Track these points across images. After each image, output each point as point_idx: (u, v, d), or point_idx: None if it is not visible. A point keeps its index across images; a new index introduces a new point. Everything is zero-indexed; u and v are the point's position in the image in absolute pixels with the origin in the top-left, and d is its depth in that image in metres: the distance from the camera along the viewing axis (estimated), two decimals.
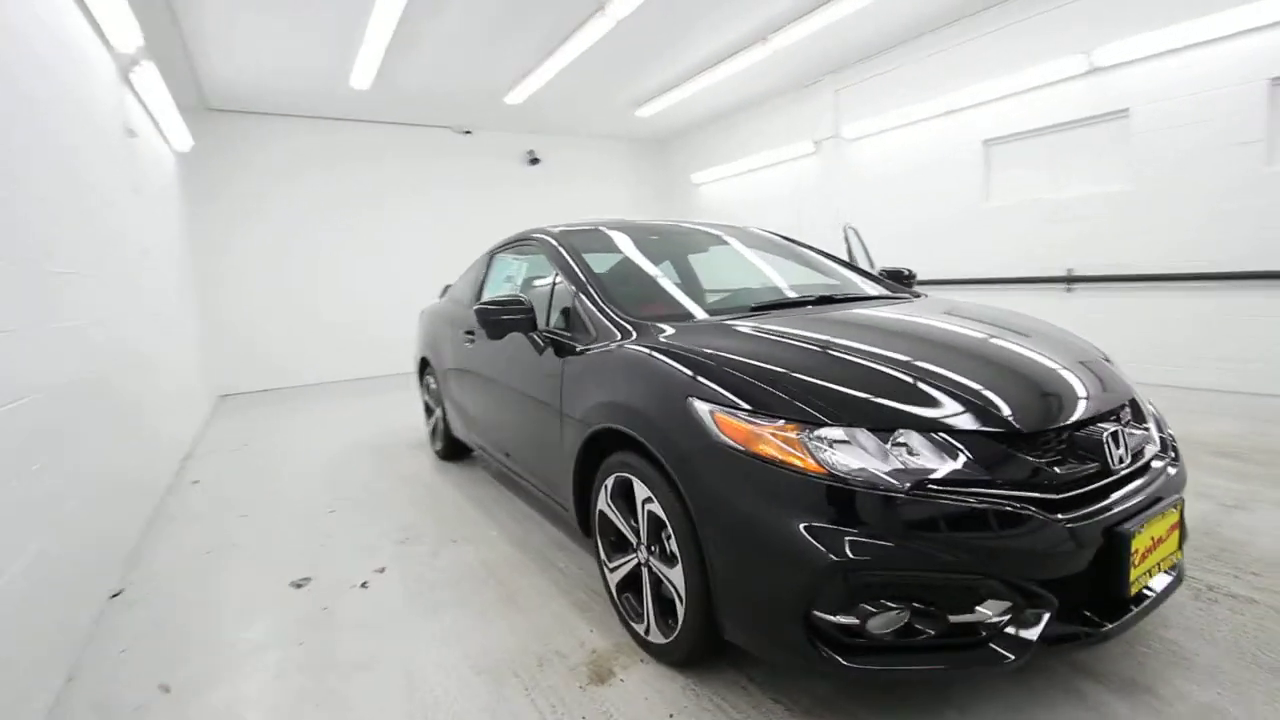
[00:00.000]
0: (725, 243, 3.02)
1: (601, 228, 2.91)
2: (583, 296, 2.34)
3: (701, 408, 1.63)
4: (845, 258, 3.36)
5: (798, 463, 1.45)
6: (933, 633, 1.41)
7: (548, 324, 2.51)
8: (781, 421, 1.51)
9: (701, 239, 3.05)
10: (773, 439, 1.49)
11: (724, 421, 1.57)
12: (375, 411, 6.03)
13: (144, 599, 2.52)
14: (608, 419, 1.95)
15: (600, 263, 2.62)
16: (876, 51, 6.77)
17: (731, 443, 1.54)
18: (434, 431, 4.32)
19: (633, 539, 1.97)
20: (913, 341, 1.90)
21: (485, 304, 2.52)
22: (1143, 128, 4.95)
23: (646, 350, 1.92)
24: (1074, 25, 5.21)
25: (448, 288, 4.63)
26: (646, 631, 1.93)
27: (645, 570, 1.92)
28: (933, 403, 1.56)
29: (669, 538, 1.83)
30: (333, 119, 7.91)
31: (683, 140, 9.96)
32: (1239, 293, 4.55)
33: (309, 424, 5.66)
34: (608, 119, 8.76)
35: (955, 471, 1.43)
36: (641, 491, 1.85)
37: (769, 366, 1.66)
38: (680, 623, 1.75)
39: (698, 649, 1.77)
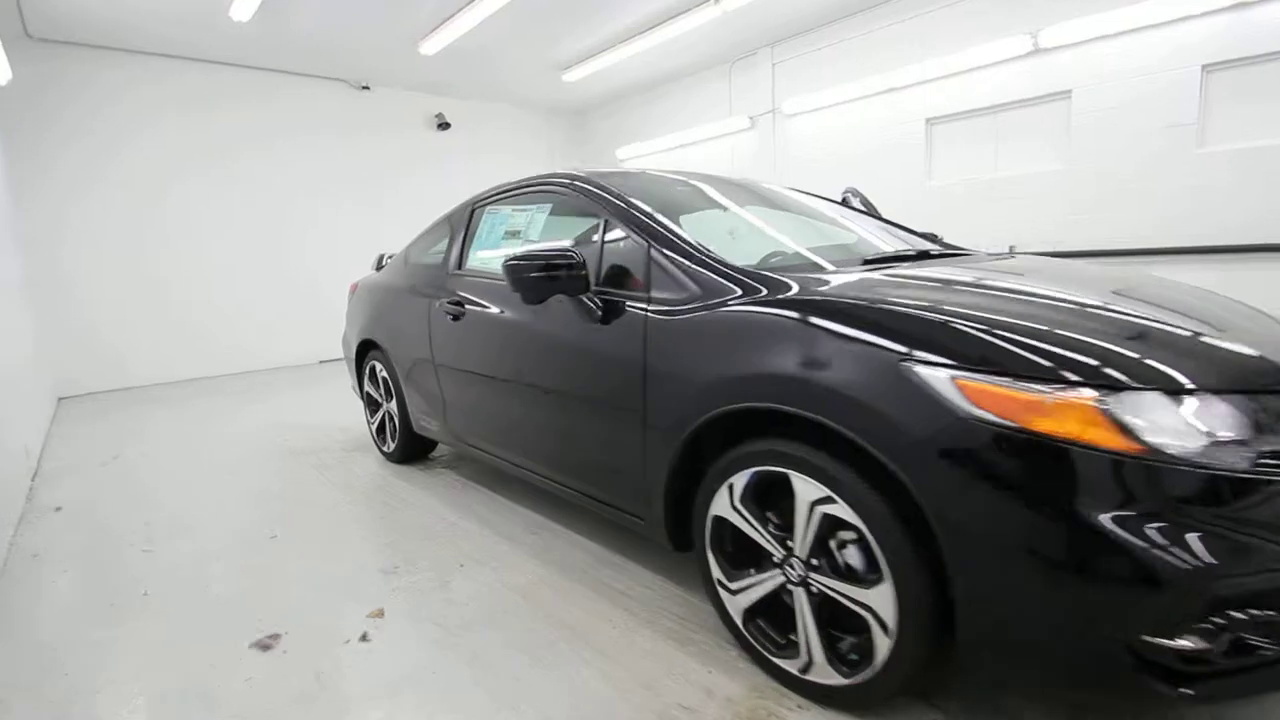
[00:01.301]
0: (766, 196, 2.62)
1: (634, 173, 2.41)
2: (665, 249, 1.83)
3: (934, 375, 1.22)
4: None
5: (1100, 439, 1.09)
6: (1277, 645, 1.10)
7: (598, 283, 1.99)
8: (1062, 386, 1.14)
9: (737, 192, 2.61)
10: (1059, 409, 1.12)
11: (977, 391, 1.17)
12: (279, 410, 5.04)
13: (29, 687, 1.71)
14: (750, 396, 1.49)
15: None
16: (817, 25, 6.65)
17: (993, 418, 1.15)
18: (381, 429, 3.58)
19: (775, 551, 1.53)
20: (1117, 293, 1.59)
21: (519, 259, 1.95)
22: (1084, 109, 5.15)
23: (806, 308, 1.46)
24: (1020, 6, 5.32)
25: (384, 258, 3.88)
26: (806, 669, 1.50)
27: (802, 592, 1.48)
28: (1212, 359, 1.27)
29: (843, 547, 1.43)
30: (203, 61, 6.56)
31: (607, 112, 9.42)
32: (1173, 268, 4.86)
33: (195, 428, 4.60)
34: (530, 82, 8.04)
35: (1268, 439, 1.14)
36: (809, 490, 1.42)
37: (1005, 320, 1.28)
38: (885, 658, 1.34)
39: (903, 689, 1.37)
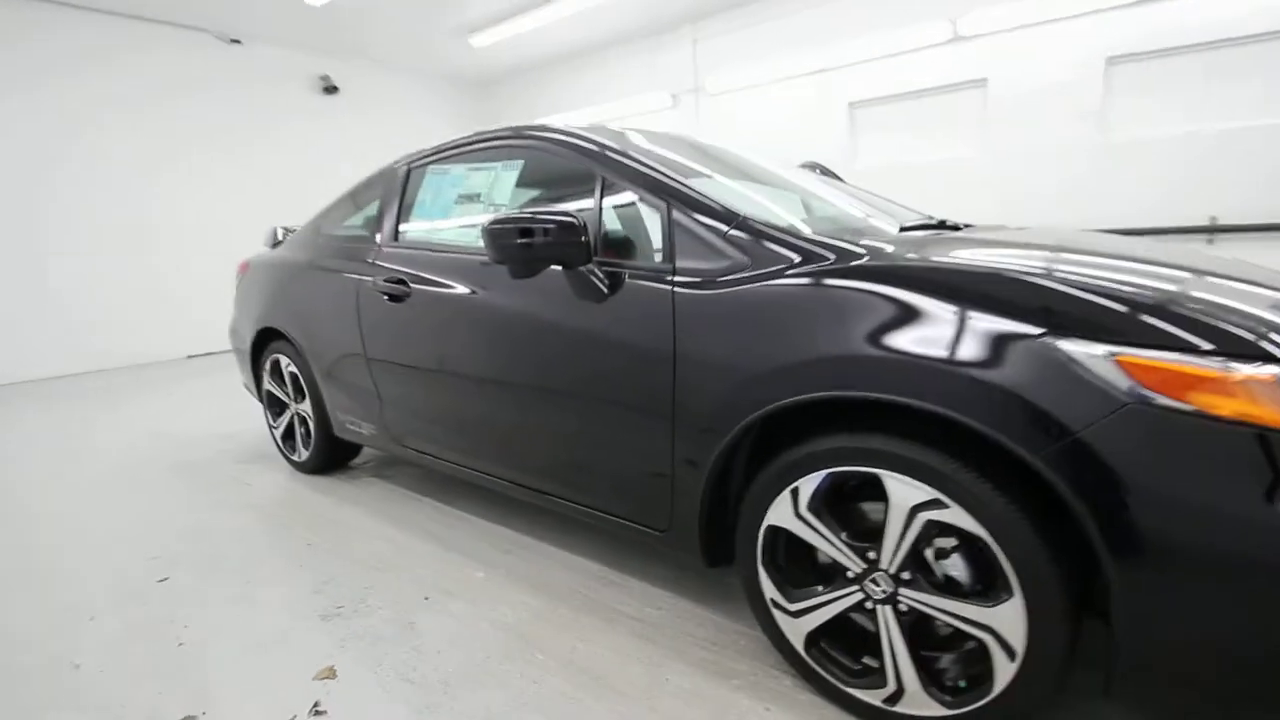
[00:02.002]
0: (739, 163, 2.36)
1: (614, 130, 2.07)
2: (693, 211, 1.53)
3: (1088, 352, 1.01)
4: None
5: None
6: None
7: (599, 253, 1.66)
8: (1238, 361, 0.96)
9: (710, 155, 2.31)
10: (1241, 388, 0.94)
11: (1148, 370, 0.98)
12: (151, 414, 4.22)
13: None
14: (836, 384, 1.22)
15: None
16: (740, 2, 6.51)
17: (1170, 402, 0.96)
18: (290, 435, 3.01)
19: (852, 565, 1.29)
20: (1189, 258, 1.47)
21: (504, 223, 1.59)
22: (999, 97, 5.35)
23: (903, 278, 1.20)
24: None
25: (280, 232, 3.29)
26: (894, 699, 1.28)
27: (888, 610, 1.26)
28: None
29: (942, 557, 1.22)
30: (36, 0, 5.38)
31: (517, 84, 8.83)
32: None
33: (50, 440, 3.72)
34: (432, 45, 7.34)
35: None
36: (909, 494, 1.18)
37: (1151, 289, 1.10)
38: (1007, 683, 1.14)
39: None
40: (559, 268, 1.65)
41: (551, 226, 1.55)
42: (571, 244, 1.57)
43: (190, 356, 6.40)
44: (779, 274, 1.35)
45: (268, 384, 3.06)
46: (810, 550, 1.36)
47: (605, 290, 1.60)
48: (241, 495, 2.73)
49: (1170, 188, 4.73)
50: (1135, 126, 4.84)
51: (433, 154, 2.34)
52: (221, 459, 3.20)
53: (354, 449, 2.98)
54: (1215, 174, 4.58)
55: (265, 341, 3.00)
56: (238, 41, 6.69)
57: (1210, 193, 4.62)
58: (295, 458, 3.00)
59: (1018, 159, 5.32)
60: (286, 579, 2.01)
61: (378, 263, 2.34)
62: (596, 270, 1.62)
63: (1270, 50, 4.31)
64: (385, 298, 2.25)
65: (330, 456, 2.90)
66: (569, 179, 1.87)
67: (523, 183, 1.98)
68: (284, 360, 2.89)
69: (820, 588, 1.36)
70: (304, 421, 2.90)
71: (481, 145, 2.13)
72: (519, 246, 1.58)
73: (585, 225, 1.58)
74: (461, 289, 1.97)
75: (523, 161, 1.99)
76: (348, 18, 6.26)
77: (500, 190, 2.00)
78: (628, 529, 1.70)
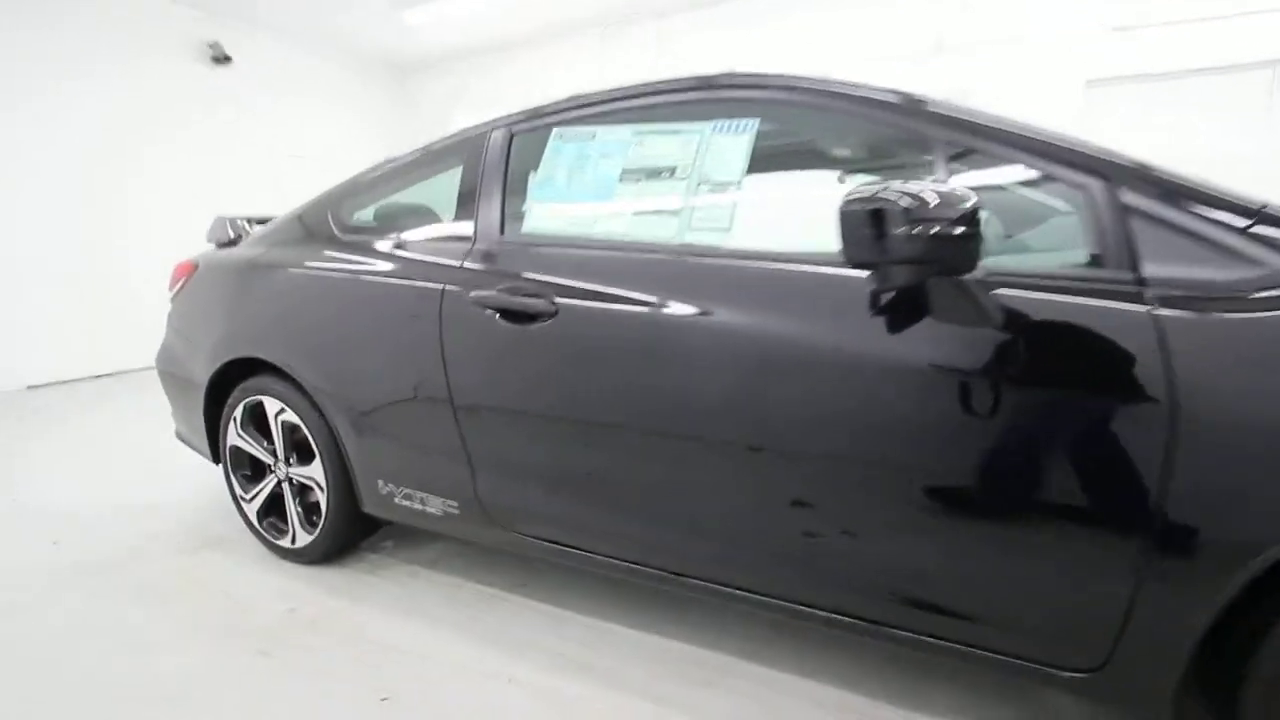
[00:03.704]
0: None
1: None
2: (1175, 196, 1.04)
3: None
4: None
5: None
6: None
7: None
8: None
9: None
10: None
11: None
12: (14, 479, 2.97)
13: None
14: None
15: None
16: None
17: None
18: (275, 509, 2.11)
19: None
20: None
21: (876, 201, 1.00)
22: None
23: None
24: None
25: (237, 223, 2.41)
26: None
27: None
28: None
29: None
30: None
31: (446, 72, 7.83)
32: None
33: None
34: (353, 18, 6.26)
35: None
36: None
37: None
38: None
39: None
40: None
41: (961, 212, 0.97)
42: (968, 236, 1.00)
43: (32, 387, 4.86)
44: None
45: (236, 437, 2.13)
46: None
47: (993, 311, 1.04)
48: (220, 612, 1.81)
49: None
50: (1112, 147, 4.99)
51: (561, 110, 1.65)
52: (155, 549, 2.18)
53: (372, 526, 2.14)
54: None
55: (237, 378, 2.08)
56: None
57: None
58: (286, 543, 2.09)
59: None
60: None
61: (471, 265, 1.60)
62: (983, 283, 1.06)
63: (1244, 80, 4.59)
64: (496, 315, 1.52)
65: (345, 539, 2.05)
66: (849, 153, 1.29)
67: (759, 153, 1.36)
68: (272, 404, 2.00)
69: None
70: (302, 490, 2.03)
71: (671, 96, 1.48)
72: (902, 241, 0.97)
73: (978, 209, 1.02)
74: (677, 306, 1.31)
75: (755, 122, 1.37)
76: None
77: (719, 162, 1.36)
78: (1012, 668, 1.14)
